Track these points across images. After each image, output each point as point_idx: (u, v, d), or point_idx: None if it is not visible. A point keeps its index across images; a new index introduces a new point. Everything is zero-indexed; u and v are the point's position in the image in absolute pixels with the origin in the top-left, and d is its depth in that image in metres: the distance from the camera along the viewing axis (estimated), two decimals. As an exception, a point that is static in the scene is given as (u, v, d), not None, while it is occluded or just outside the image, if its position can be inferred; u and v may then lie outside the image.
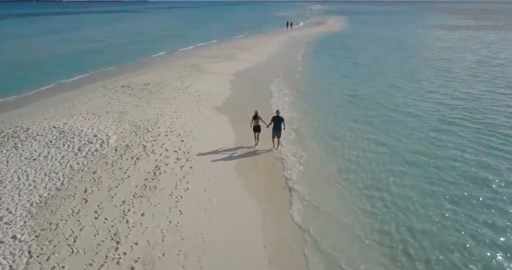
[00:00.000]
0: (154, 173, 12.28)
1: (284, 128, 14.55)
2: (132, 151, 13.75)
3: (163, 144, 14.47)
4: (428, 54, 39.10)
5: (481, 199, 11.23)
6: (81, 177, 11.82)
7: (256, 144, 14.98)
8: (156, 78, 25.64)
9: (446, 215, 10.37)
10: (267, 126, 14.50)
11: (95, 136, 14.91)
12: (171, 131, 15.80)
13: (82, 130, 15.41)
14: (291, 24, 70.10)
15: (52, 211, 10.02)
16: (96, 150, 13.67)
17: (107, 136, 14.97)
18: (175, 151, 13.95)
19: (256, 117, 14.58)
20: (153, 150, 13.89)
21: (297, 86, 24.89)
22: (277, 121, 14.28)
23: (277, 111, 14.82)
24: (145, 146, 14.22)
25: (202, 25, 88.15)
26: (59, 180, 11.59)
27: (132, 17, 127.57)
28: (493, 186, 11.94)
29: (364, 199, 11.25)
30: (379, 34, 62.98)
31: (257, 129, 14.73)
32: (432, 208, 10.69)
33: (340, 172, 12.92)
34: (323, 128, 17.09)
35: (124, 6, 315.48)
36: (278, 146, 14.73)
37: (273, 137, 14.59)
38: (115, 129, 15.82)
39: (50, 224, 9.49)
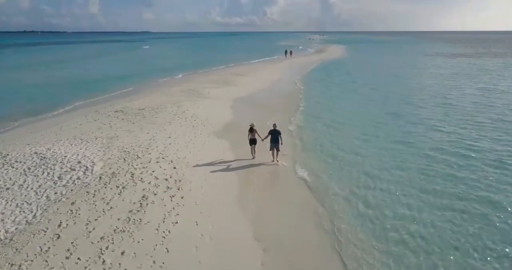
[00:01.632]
0: (141, 203, 10.95)
1: (281, 143, 14.56)
2: (118, 179, 12.45)
3: (153, 171, 13.20)
4: (428, 81, 37.95)
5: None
6: (57, 209, 10.48)
7: (253, 157, 15.15)
8: (152, 103, 24.66)
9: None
10: (262, 140, 14.79)
11: (79, 162, 13.65)
12: (163, 158, 14.56)
13: (65, 156, 14.16)
14: (291, 52, 70.69)
15: (16, 249, 8.63)
16: (78, 178, 12.37)
17: (92, 162, 13.71)
18: (166, 179, 12.66)
19: (252, 130, 14.89)
20: (141, 178, 12.60)
21: (296, 114, 23.51)
22: (274, 134, 14.43)
23: (274, 125, 14.88)
24: (133, 174, 12.94)
25: (202, 53, 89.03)
26: (32, 212, 10.25)
27: (135, 47, 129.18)
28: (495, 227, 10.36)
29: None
30: (379, 62, 63.15)
31: (253, 142, 15.01)
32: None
33: (341, 209, 11.38)
34: (321, 156, 15.78)
35: (127, 36, 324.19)
36: (276, 158, 14.78)
37: (271, 150, 14.70)
38: (102, 155, 14.57)
39: (12, 265, 8.08)
